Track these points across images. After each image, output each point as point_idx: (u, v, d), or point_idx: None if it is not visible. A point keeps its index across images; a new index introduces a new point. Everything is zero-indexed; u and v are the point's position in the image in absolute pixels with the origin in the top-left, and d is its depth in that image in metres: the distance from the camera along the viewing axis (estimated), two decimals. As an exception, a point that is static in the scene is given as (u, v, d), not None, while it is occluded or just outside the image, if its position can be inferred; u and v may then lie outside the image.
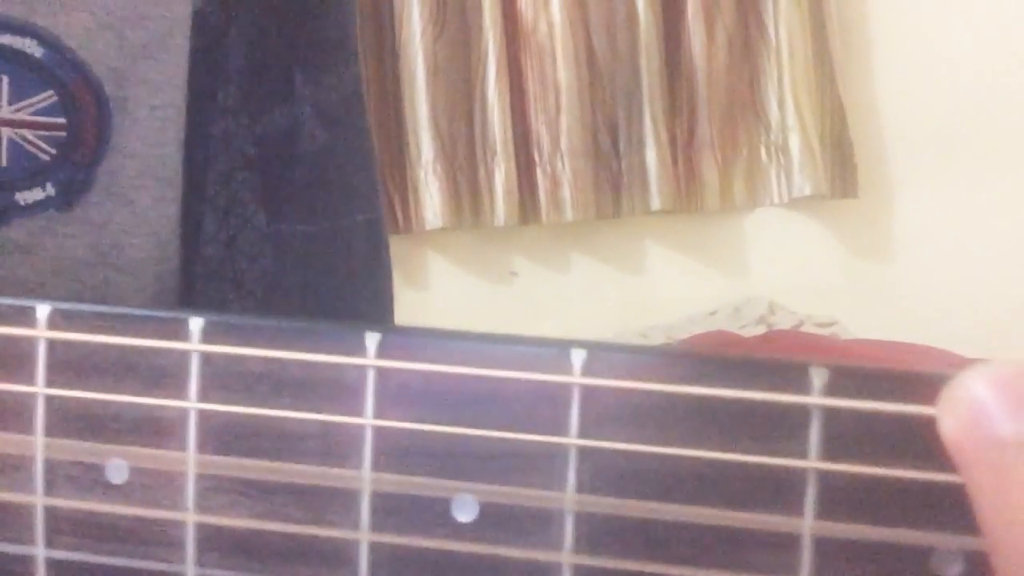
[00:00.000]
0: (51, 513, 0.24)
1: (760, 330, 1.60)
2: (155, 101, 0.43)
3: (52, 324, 0.24)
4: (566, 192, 1.65)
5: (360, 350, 0.23)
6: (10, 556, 0.25)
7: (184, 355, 0.23)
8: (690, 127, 1.67)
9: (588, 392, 0.21)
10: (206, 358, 0.23)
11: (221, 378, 0.23)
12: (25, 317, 0.24)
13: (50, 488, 0.24)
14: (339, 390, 0.23)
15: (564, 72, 1.64)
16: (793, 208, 1.67)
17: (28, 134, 0.41)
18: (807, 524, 0.20)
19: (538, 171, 1.67)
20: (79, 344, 0.24)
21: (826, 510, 0.20)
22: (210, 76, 0.46)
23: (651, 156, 1.64)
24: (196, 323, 0.23)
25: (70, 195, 0.42)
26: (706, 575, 0.21)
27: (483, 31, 1.65)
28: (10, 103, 0.41)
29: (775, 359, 0.21)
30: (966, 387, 0.20)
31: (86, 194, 0.42)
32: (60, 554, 0.24)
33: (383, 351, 0.23)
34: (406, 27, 1.66)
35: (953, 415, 0.20)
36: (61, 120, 0.41)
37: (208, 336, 0.23)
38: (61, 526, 0.24)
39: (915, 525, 0.20)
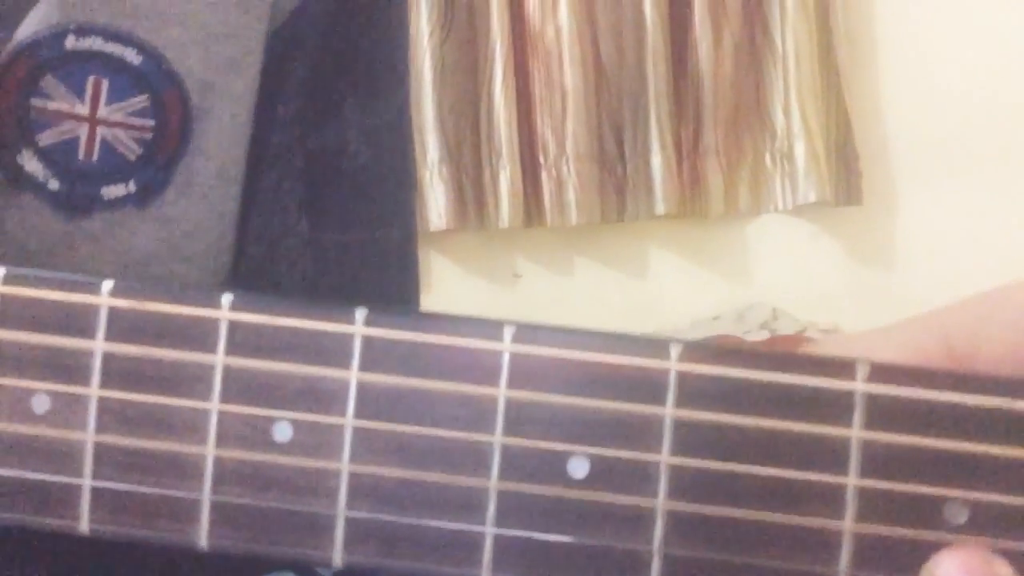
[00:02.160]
0: (219, 464, 0.27)
1: (763, 336, 1.61)
2: (234, 110, 0.48)
3: (233, 307, 0.28)
4: (571, 195, 1.66)
5: (498, 340, 0.27)
6: (176, 499, 0.28)
7: (348, 338, 0.27)
8: (696, 133, 1.68)
9: (682, 376, 0.26)
10: (367, 338, 0.27)
11: (378, 352, 0.27)
12: (209, 300, 0.28)
13: (221, 443, 0.27)
14: (474, 371, 0.27)
15: (571, 76, 1.66)
16: (797, 215, 1.69)
17: (120, 133, 0.45)
18: (851, 482, 0.25)
19: (543, 174, 1.68)
20: (255, 326, 0.27)
21: (867, 469, 0.25)
22: (274, 91, 0.50)
23: (656, 161, 1.65)
24: (360, 314, 0.27)
25: (148, 193, 0.46)
26: (770, 517, 0.25)
27: (490, 34, 1.66)
28: (107, 104, 0.45)
29: (826, 356, 0.26)
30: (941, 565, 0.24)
31: (163, 192, 0.46)
32: (222, 499, 0.27)
33: (518, 338, 0.27)
34: (413, 29, 1.67)
35: None
36: (150, 123, 0.45)
37: (369, 324, 0.27)
38: (226, 476, 0.27)
39: (931, 484, 0.25)
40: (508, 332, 0.26)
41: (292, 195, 0.51)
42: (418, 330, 0.26)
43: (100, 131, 0.44)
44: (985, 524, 0.25)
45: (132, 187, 0.45)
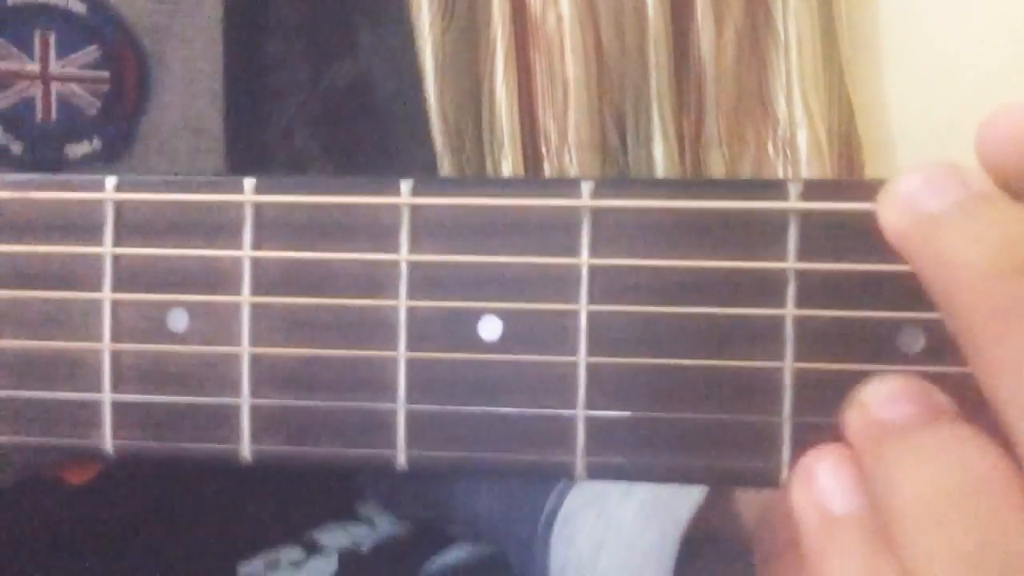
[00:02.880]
0: (116, 360, 0.26)
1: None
2: (187, 54, 0.46)
3: (119, 190, 0.26)
4: (573, 186, 1.65)
5: (395, 193, 0.25)
6: (77, 402, 0.26)
7: (239, 209, 0.25)
8: (698, 122, 1.67)
9: (596, 216, 0.24)
10: (258, 211, 0.25)
11: (271, 229, 0.25)
12: (94, 186, 0.26)
13: (116, 338, 0.26)
14: (377, 231, 0.25)
15: (572, 65, 1.65)
16: (800, 203, 1.67)
17: (75, 87, 0.43)
18: (789, 312, 0.23)
19: (545, 164, 1.67)
20: (145, 206, 0.26)
21: (805, 301, 0.23)
22: (253, 30, 0.48)
23: (658, 150, 1.64)
24: (249, 182, 0.26)
25: (115, 148, 0.44)
26: (704, 364, 0.23)
27: (492, 24, 1.65)
28: (57, 58, 0.43)
29: (757, 179, 0.23)
30: (900, 183, 0.22)
31: (130, 147, 0.45)
32: (125, 398, 0.26)
33: (415, 193, 0.25)
34: (415, 19, 1.66)
35: (889, 207, 0.22)
36: (104, 74, 0.44)
37: (260, 192, 0.26)
38: (125, 373, 0.26)
39: (882, 309, 0.23)
40: (406, 186, 0.24)
41: (312, 140, 0.49)
42: (312, 193, 0.25)
43: (54, 88, 0.43)
44: (944, 351, 0.22)
45: (97, 144, 0.44)
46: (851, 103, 1.64)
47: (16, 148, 0.43)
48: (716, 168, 1.66)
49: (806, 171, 1.62)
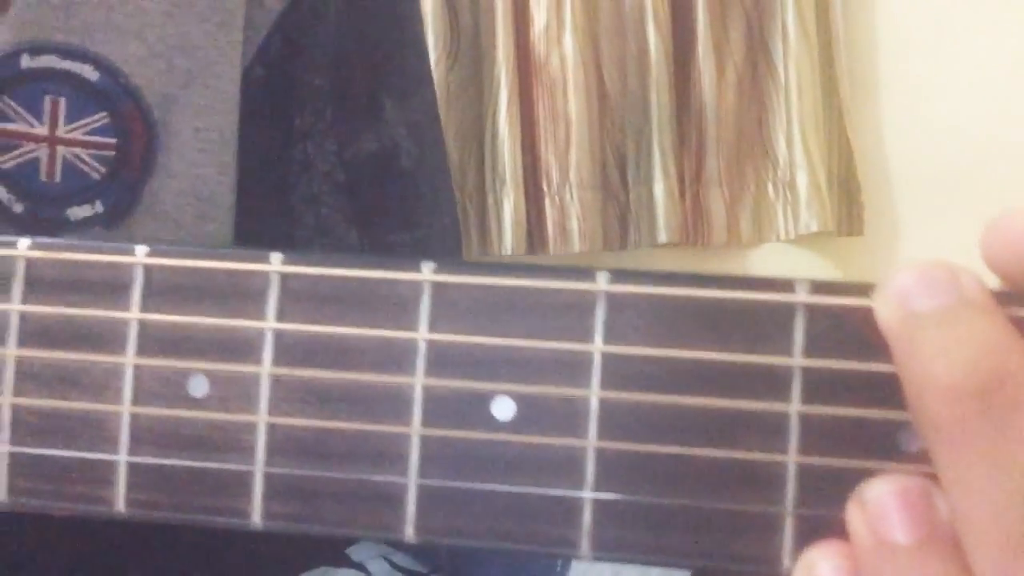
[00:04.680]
0: (135, 422, 0.27)
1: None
2: (200, 124, 0.46)
3: (150, 256, 0.27)
4: (574, 223, 1.66)
5: (416, 271, 0.26)
6: (93, 462, 0.27)
7: (265, 279, 0.26)
8: (698, 162, 1.69)
9: (611, 302, 0.24)
10: (284, 282, 0.26)
11: (295, 300, 0.26)
12: (124, 251, 0.27)
13: (136, 400, 0.27)
14: (398, 308, 0.26)
15: (575, 105, 1.66)
16: (799, 244, 1.68)
17: (81, 153, 0.44)
18: (794, 408, 0.24)
19: (546, 202, 1.68)
20: (172, 272, 0.27)
21: (810, 396, 0.24)
22: (282, 103, 0.49)
23: (659, 189, 1.65)
24: (276, 255, 0.26)
25: (117, 213, 0.45)
26: (710, 455, 0.24)
27: (496, 63, 1.66)
28: (66, 123, 0.44)
29: (766, 277, 0.25)
30: (896, 279, 0.23)
31: (131, 213, 0.45)
32: (141, 460, 0.27)
33: (437, 274, 0.26)
34: (420, 56, 1.68)
35: (883, 301, 0.23)
36: (111, 140, 0.44)
37: (287, 263, 0.26)
38: (143, 435, 0.27)
39: (884, 406, 0.23)
40: (427, 268, 0.25)
41: (336, 209, 0.50)
42: (337, 266, 0.25)
43: (60, 151, 0.43)
44: None
45: (99, 207, 0.44)
46: (850, 146, 1.65)
47: (18, 208, 0.43)
48: (716, 208, 1.67)
49: (805, 213, 1.62)
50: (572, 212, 1.66)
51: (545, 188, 1.68)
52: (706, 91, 1.67)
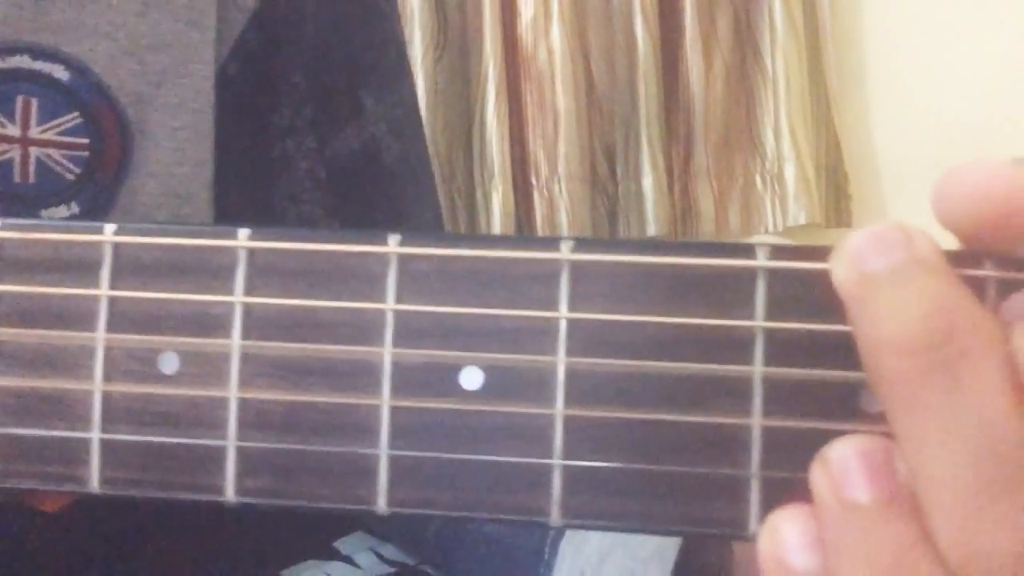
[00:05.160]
0: (107, 400, 0.27)
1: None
2: (175, 123, 0.46)
3: (118, 234, 0.27)
4: (562, 216, 1.66)
5: (383, 244, 0.26)
6: (67, 440, 0.27)
7: (232, 255, 0.26)
8: (687, 155, 1.69)
9: (575, 270, 0.24)
10: (251, 257, 0.26)
11: (263, 275, 0.26)
12: (93, 230, 0.27)
13: (108, 379, 0.27)
14: (365, 280, 0.26)
15: (563, 98, 1.66)
16: (788, 236, 1.68)
17: (54, 153, 0.44)
18: (757, 370, 0.24)
19: (535, 194, 1.68)
20: (141, 249, 0.27)
21: (773, 359, 0.24)
22: (260, 100, 0.49)
23: (648, 182, 1.66)
24: (244, 230, 0.26)
25: (93, 213, 0.45)
26: (676, 419, 0.24)
27: (483, 56, 1.66)
28: (38, 124, 0.43)
29: (728, 243, 0.25)
30: (850, 240, 0.23)
31: (108, 213, 0.45)
32: (114, 437, 0.27)
33: (403, 246, 0.26)
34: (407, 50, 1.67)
35: (838, 262, 0.23)
36: (84, 140, 0.44)
37: (253, 239, 0.26)
38: (115, 413, 0.27)
39: (846, 368, 0.24)
40: (393, 239, 0.25)
41: (318, 204, 0.50)
42: (304, 241, 0.26)
43: (33, 152, 0.43)
44: None
45: (75, 208, 0.44)
46: (838, 137, 1.65)
47: None
48: (705, 200, 1.68)
49: (794, 205, 1.63)
50: (561, 205, 1.66)
51: (534, 181, 1.68)
52: (694, 83, 1.67)
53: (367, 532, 0.54)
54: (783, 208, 1.64)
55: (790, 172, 1.63)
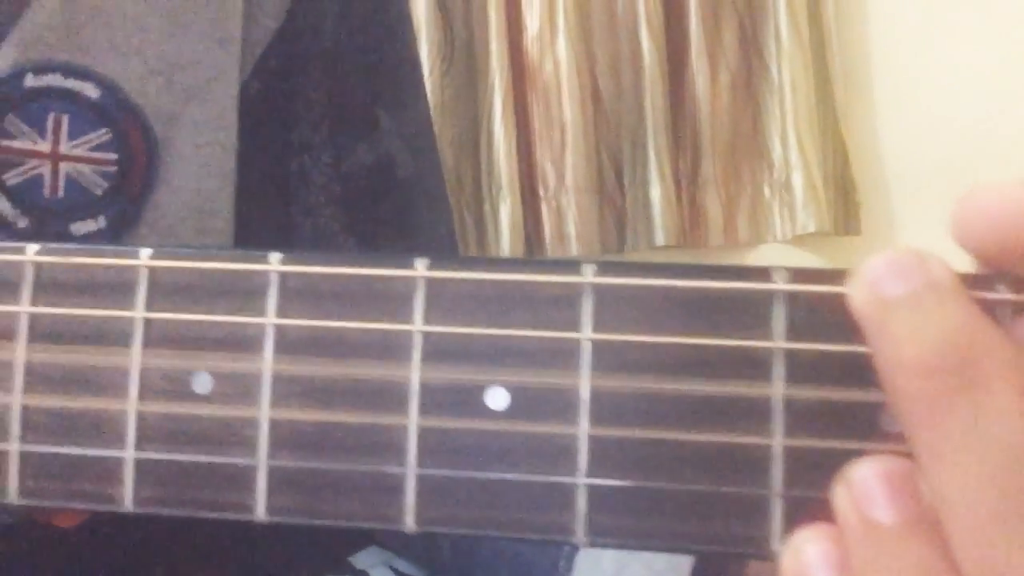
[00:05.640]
0: (141, 420, 0.27)
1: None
2: (200, 140, 0.47)
3: (154, 258, 0.28)
4: (571, 227, 1.67)
5: (411, 268, 0.27)
6: (101, 459, 0.28)
7: (265, 278, 0.27)
8: (694, 164, 1.69)
9: (598, 293, 0.25)
10: (283, 281, 0.27)
11: (294, 298, 0.27)
12: (130, 254, 0.28)
13: (142, 398, 0.27)
14: (394, 303, 0.26)
15: (570, 109, 1.67)
16: (796, 245, 1.69)
17: (84, 168, 0.45)
18: (777, 391, 0.24)
19: (543, 206, 1.69)
20: (176, 273, 0.27)
21: (793, 380, 0.24)
22: (279, 117, 0.50)
23: (655, 192, 1.66)
24: (275, 255, 0.27)
25: (119, 227, 0.46)
26: (699, 437, 0.24)
27: (490, 68, 1.67)
28: (69, 140, 0.45)
29: (747, 266, 0.26)
30: (868, 265, 0.24)
31: (134, 227, 0.46)
32: (147, 456, 0.27)
33: (431, 268, 0.27)
34: (415, 63, 1.68)
35: (856, 287, 0.24)
36: (113, 156, 0.45)
37: (285, 263, 0.27)
38: (149, 432, 0.27)
39: (865, 388, 0.24)
40: (421, 263, 0.26)
41: (334, 219, 0.51)
42: (334, 265, 0.26)
43: (63, 167, 0.44)
44: None
45: (102, 222, 0.45)
46: (845, 145, 1.66)
47: (22, 223, 0.44)
48: (713, 210, 1.68)
49: (802, 214, 1.63)
50: (569, 216, 1.67)
51: (541, 193, 1.69)
52: (700, 93, 1.68)
53: (381, 547, 0.55)
54: (791, 217, 1.65)
55: (798, 180, 1.64)
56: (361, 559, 0.54)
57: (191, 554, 0.49)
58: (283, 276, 0.27)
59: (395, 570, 0.54)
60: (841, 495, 0.23)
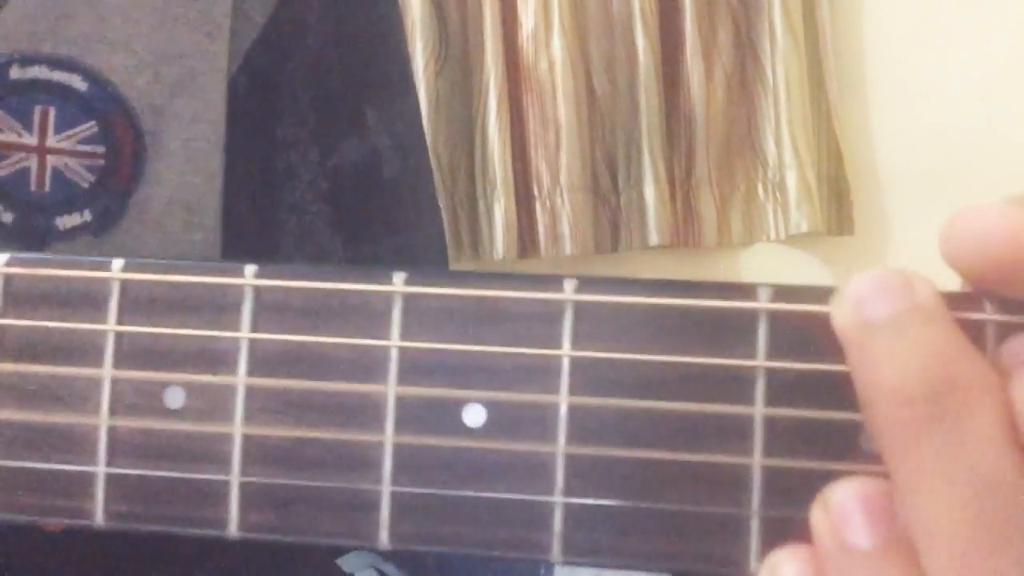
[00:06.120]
0: (113, 434, 0.27)
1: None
2: (187, 134, 0.47)
3: (125, 270, 0.27)
4: (565, 227, 1.67)
5: (388, 282, 0.26)
6: (72, 474, 0.27)
7: (239, 292, 0.26)
8: (688, 164, 1.69)
9: (578, 310, 0.25)
10: (257, 295, 0.26)
11: (269, 312, 0.26)
12: (101, 266, 0.27)
13: (114, 413, 0.27)
14: (370, 318, 0.26)
15: (564, 109, 1.66)
16: (790, 244, 1.68)
17: (70, 162, 0.44)
18: (758, 410, 0.24)
19: (537, 206, 1.68)
20: (149, 286, 0.27)
21: (774, 399, 0.24)
22: (266, 112, 0.49)
23: (649, 192, 1.66)
24: (251, 268, 0.27)
25: (105, 221, 0.45)
26: (677, 456, 0.24)
27: (485, 67, 1.67)
28: (55, 133, 0.44)
29: (730, 282, 0.25)
30: (851, 285, 0.23)
31: (120, 221, 0.45)
32: (119, 471, 0.27)
33: (408, 283, 0.26)
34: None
35: (839, 307, 0.23)
36: (100, 149, 0.45)
37: (260, 276, 0.27)
38: (120, 447, 0.27)
39: (846, 408, 0.24)
40: (398, 277, 0.25)
41: (320, 217, 0.50)
42: (310, 279, 0.26)
43: (50, 160, 0.44)
44: None
45: (88, 216, 0.44)
46: (839, 146, 1.65)
47: (7, 217, 0.43)
48: (707, 209, 1.68)
49: (795, 213, 1.63)
50: (563, 216, 1.66)
51: (536, 192, 1.68)
52: (695, 93, 1.67)
53: (368, 550, 0.55)
54: (785, 216, 1.64)
55: (791, 180, 1.63)
56: (348, 562, 0.54)
57: (178, 559, 0.48)
58: (258, 290, 0.26)
59: (382, 573, 0.54)
60: (818, 517, 0.23)
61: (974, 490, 0.21)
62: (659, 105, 1.66)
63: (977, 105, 1.63)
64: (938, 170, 1.64)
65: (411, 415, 0.25)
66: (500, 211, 1.65)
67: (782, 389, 0.24)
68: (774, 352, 0.24)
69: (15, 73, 0.43)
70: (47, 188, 0.44)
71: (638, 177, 1.67)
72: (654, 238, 1.65)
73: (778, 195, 1.65)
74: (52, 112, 0.44)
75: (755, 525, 0.24)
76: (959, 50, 1.65)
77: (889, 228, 1.68)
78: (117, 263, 0.27)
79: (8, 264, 0.28)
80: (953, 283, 0.25)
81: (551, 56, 1.67)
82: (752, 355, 0.24)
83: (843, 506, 0.22)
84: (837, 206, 1.66)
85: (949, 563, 0.21)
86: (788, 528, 0.23)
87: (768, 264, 1.70)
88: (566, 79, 1.66)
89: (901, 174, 1.67)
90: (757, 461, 0.24)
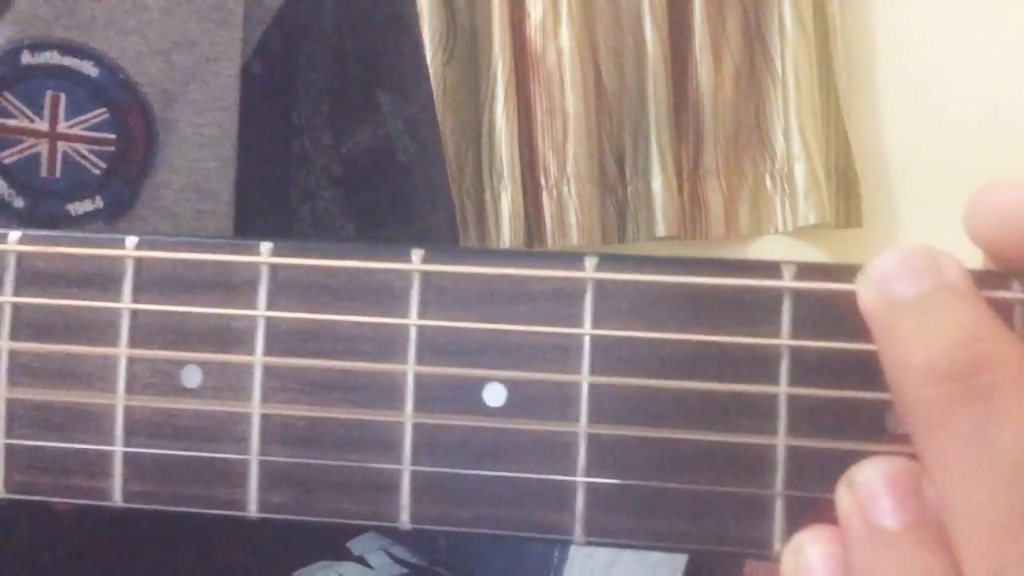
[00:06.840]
0: (129, 413, 0.27)
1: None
2: (200, 120, 0.47)
3: (139, 248, 0.27)
4: (572, 217, 1.66)
5: (406, 260, 0.26)
6: (89, 453, 0.27)
7: (255, 270, 0.26)
8: (696, 155, 1.69)
9: (599, 288, 0.24)
10: (273, 273, 0.26)
11: (285, 290, 0.26)
12: (115, 243, 0.27)
13: (130, 392, 0.27)
14: (388, 296, 0.26)
15: (572, 99, 1.66)
16: (798, 236, 1.68)
17: (82, 148, 0.44)
18: (782, 389, 0.23)
19: (544, 196, 1.68)
20: (163, 264, 0.27)
21: (798, 378, 0.24)
22: (280, 98, 0.49)
23: (657, 183, 1.65)
24: (266, 245, 0.26)
25: (117, 208, 0.45)
26: (700, 436, 0.24)
27: (492, 57, 1.66)
28: (66, 119, 0.44)
29: (753, 260, 0.25)
30: (878, 263, 0.23)
31: (132, 208, 0.45)
32: (136, 451, 0.27)
33: (426, 261, 0.26)
34: (416, 51, 1.67)
35: (865, 285, 0.23)
36: (111, 136, 0.45)
37: (276, 254, 0.26)
38: (137, 426, 0.27)
39: (872, 387, 0.23)
40: (416, 254, 0.25)
41: (334, 203, 0.50)
42: (327, 257, 0.25)
43: (61, 146, 0.44)
44: None
45: (100, 203, 0.44)
46: (848, 137, 1.65)
47: (18, 202, 0.43)
48: (714, 200, 1.67)
49: (804, 205, 1.62)
50: (570, 206, 1.66)
51: (543, 182, 1.68)
52: (703, 84, 1.67)
53: (379, 533, 0.55)
54: (793, 208, 1.64)
55: (800, 172, 1.63)
56: (359, 544, 0.54)
57: (189, 539, 0.49)
58: (274, 268, 0.26)
59: (392, 555, 0.54)
60: (844, 497, 0.23)
61: (1004, 470, 0.21)
62: (667, 96, 1.65)
63: (987, 97, 1.62)
64: (947, 162, 1.63)
65: (431, 394, 0.25)
66: (507, 201, 1.65)
67: (807, 368, 0.24)
68: (798, 331, 0.24)
69: (26, 58, 0.43)
70: (58, 174, 0.44)
71: (645, 168, 1.66)
72: (661, 229, 1.65)
73: (786, 187, 1.65)
74: (63, 98, 0.44)
75: (779, 506, 0.23)
76: (969, 42, 1.64)
77: (897, 221, 1.67)
78: (131, 240, 0.27)
79: (21, 242, 0.27)
80: (976, 265, 0.24)
81: (559, 46, 1.67)
82: (776, 334, 0.24)
83: (869, 486, 0.22)
84: (845, 198, 1.65)
85: (981, 545, 0.21)
86: (812, 509, 0.23)
87: (775, 256, 1.69)
88: (574, 69, 1.66)
89: (910, 166, 1.66)
90: (781, 441, 0.23)
